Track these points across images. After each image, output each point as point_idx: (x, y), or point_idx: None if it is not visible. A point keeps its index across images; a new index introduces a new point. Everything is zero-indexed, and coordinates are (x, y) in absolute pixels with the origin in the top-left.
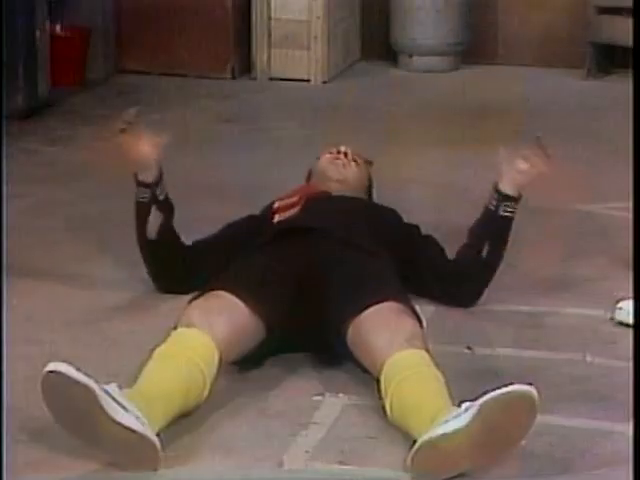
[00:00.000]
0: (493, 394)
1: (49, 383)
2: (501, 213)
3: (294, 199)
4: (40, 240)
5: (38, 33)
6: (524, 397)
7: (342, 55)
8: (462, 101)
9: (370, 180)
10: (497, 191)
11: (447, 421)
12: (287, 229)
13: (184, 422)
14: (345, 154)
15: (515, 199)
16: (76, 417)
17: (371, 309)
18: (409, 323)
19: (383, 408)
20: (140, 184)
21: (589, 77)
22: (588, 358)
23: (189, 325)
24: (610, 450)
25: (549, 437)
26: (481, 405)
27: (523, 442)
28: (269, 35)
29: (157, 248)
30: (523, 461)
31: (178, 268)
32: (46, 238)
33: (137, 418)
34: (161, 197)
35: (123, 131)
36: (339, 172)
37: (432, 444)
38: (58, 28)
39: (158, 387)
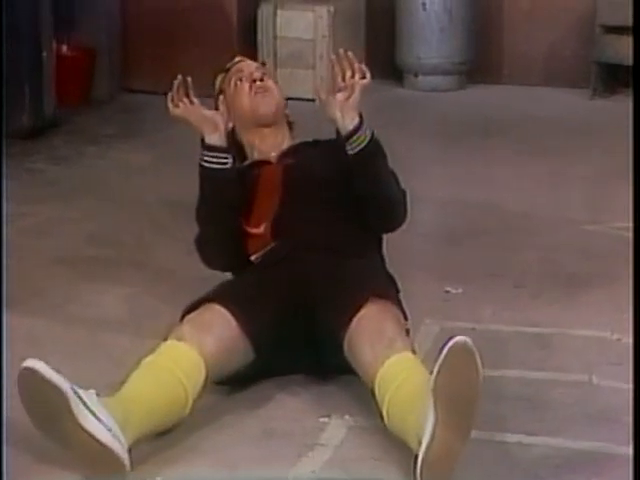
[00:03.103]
0: (433, 375)
1: (24, 379)
2: (355, 151)
3: (260, 231)
4: (43, 259)
5: (45, 53)
6: (456, 353)
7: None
8: (467, 120)
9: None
10: (341, 137)
11: (424, 430)
12: (269, 263)
13: (189, 442)
14: (261, 79)
15: (357, 128)
16: (47, 416)
17: (354, 320)
18: (388, 326)
19: (381, 416)
20: (216, 149)
21: (595, 96)
22: (594, 380)
23: (179, 338)
24: (615, 473)
25: (555, 459)
26: (433, 392)
27: (531, 465)
28: (275, 54)
29: (233, 220)
30: None
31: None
32: (49, 257)
33: (109, 430)
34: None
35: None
36: (268, 110)
37: (426, 457)
38: (64, 48)
39: (139, 397)
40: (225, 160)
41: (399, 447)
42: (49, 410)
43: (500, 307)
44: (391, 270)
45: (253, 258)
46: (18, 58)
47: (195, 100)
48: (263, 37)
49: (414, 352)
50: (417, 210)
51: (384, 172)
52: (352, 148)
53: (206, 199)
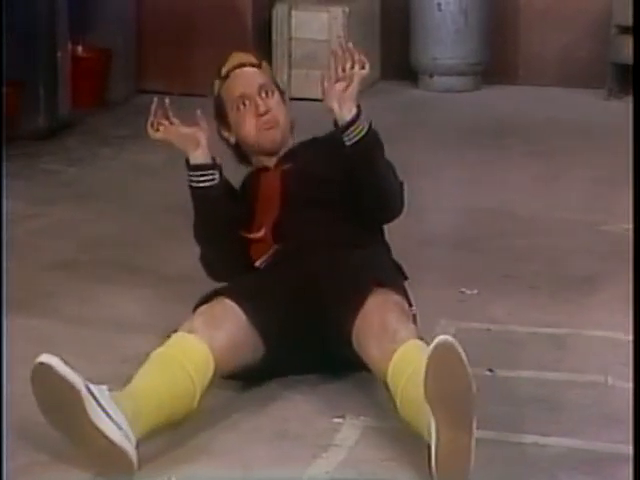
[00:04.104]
0: (422, 381)
1: (38, 374)
2: (352, 142)
3: (261, 234)
4: (53, 260)
5: (60, 54)
6: (440, 354)
7: None
8: (482, 121)
9: (284, 97)
10: (338, 126)
11: (430, 432)
12: (274, 265)
13: (202, 442)
14: (266, 111)
15: (355, 119)
16: (59, 412)
17: (359, 316)
18: (391, 318)
19: (394, 404)
20: (201, 167)
21: (610, 97)
22: (610, 381)
23: (191, 330)
24: (631, 474)
25: (571, 460)
26: (426, 397)
27: (547, 466)
28: (289, 55)
29: (231, 234)
30: None
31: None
32: (60, 258)
33: (120, 428)
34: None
35: (160, 126)
36: (275, 143)
37: (437, 458)
38: (80, 49)
39: (148, 392)
40: (212, 176)
41: (414, 448)
42: (62, 406)
43: (515, 308)
44: (405, 272)
45: (258, 263)
46: (33, 59)
47: (175, 120)
48: (278, 38)
49: (421, 338)
50: (430, 213)
51: (382, 163)
52: (350, 139)
53: (201, 218)
